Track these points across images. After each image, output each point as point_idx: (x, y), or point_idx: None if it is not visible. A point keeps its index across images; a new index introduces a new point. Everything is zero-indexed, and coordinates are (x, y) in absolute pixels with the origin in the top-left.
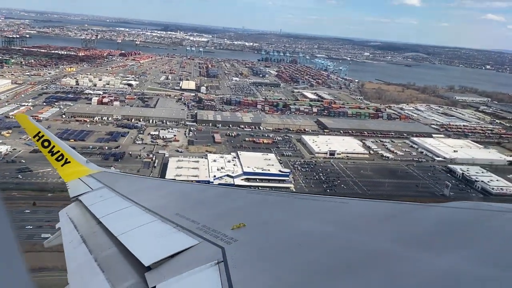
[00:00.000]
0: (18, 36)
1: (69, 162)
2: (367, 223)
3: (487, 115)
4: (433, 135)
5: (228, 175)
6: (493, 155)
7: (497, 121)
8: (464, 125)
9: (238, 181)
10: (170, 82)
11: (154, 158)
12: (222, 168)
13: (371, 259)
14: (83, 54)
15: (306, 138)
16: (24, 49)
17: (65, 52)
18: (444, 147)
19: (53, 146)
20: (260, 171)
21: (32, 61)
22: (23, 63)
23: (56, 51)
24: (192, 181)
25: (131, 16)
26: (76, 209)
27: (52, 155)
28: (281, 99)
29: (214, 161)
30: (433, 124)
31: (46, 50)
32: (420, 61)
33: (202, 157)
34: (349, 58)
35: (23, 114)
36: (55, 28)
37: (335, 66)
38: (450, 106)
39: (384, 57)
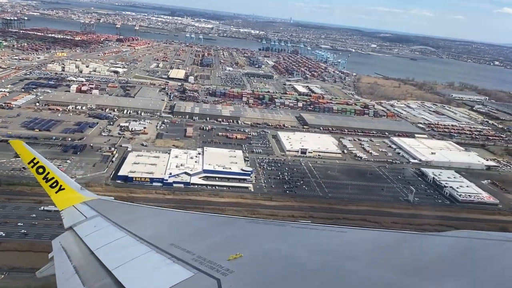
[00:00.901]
0: (16, 18)
1: (64, 188)
2: (366, 253)
3: (481, 114)
4: (416, 135)
5: (185, 173)
6: (472, 158)
7: (489, 121)
8: (452, 125)
9: (195, 179)
10: (160, 70)
11: (114, 152)
12: (181, 165)
13: None
14: (79, 38)
15: (281, 134)
16: (21, 31)
17: (62, 36)
18: (423, 148)
19: (48, 173)
20: (221, 169)
21: (26, 44)
22: (15, 46)
23: (53, 35)
24: (145, 178)
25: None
26: (69, 239)
27: (47, 181)
28: (268, 91)
29: (176, 157)
30: (421, 123)
31: (42, 33)
32: (427, 55)
33: (167, 152)
34: (353, 50)
35: (19, 140)
36: (59, 10)
37: (335, 58)
38: (445, 104)
39: (391, 50)
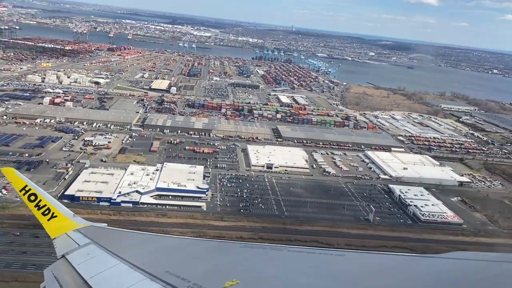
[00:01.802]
0: (6, 27)
1: (56, 216)
2: (365, 276)
3: (466, 126)
4: (392, 149)
5: (137, 191)
6: (445, 174)
7: (474, 133)
8: (434, 138)
9: (146, 198)
10: (144, 80)
11: (69, 169)
12: (135, 182)
13: None
14: (69, 48)
15: (250, 148)
16: (11, 41)
17: (52, 46)
18: (396, 163)
19: (40, 200)
20: (175, 186)
21: (12, 54)
22: (0, 56)
23: (43, 44)
24: (92, 197)
25: (146, 7)
26: (62, 268)
27: (39, 209)
28: (249, 103)
29: (132, 174)
30: (402, 135)
31: (33, 43)
32: (425, 63)
33: (124, 169)
34: (350, 58)
35: (10, 167)
36: (57, 19)
37: (327, 67)
38: (432, 114)
39: (389, 58)
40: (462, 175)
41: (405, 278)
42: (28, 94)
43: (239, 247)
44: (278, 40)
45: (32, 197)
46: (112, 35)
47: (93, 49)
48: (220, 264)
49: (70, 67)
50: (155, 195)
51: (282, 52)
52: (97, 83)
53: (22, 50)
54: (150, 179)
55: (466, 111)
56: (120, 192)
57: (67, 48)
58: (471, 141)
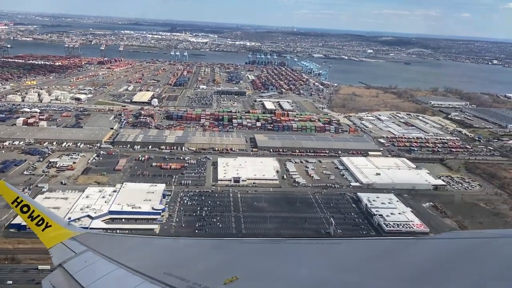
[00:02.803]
0: None
1: (50, 226)
2: (363, 263)
3: (455, 123)
4: (370, 153)
5: (88, 216)
6: (420, 178)
7: (462, 130)
8: (417, 138)
9: (97, 223)
10: (127, 93)
11: (26, 195)
12: (88, 206)
13: None
14: (59, 63)
15: (220, 161)
16: (1, 60)
17: (42, 62)
18: (370, 168)
19: (33, 211)
20: (130, 209)
21: None
22: None
23: (33, 61)
24: None
25: (148, 16)
26: (60, 277)
27: (32, 220)
28: (230, 111)
29: (87, 197)
30: (383, 137)
31: (23, 60)
32: (424, 57)
33: (81, 191)
34: (347, 57)
35: (1, 180)
36: (54, 34)
37: (319, 69)
38: (420, 112)
39: (387, 54)
40: (439, 177)
41: (403, 261)
42: (3, 115)
43: (237, 244)
44: (276, 42)
45: (25, 208)
46: (103, 48)
47: (83, 63)
48: (218, 261)
49: (55, 83)
50: (108, 219)
51: (275, 55)
52: (78, 99)
53: (10, 68)
54: (105, 201)
55: (457, 106)
56: (69, 218)
57: (57, 64)
58: (456, 139)
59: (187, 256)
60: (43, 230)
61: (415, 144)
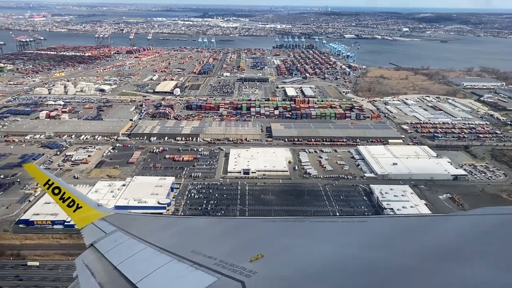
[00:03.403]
0: (32, 39)
1: (81, 207)
2: (389, 240)
3: (487, 105)
4: (390, 141)
5: None
6: (439, 167)
7: (494, 114)
8: (443, 123)
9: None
10: (152, 83)
11: (38, 190)
12: (96, 201)
13: (398, 277)
14: (89, 54)
15: (232, 152)
16: (35, 52)
17: (73, 53)
18: (387, 158)
19: (64, 193)
20: (136, 203)
21: (31, 66)
22: (19, 69)
23: (65, 53)
24: (47, 221)
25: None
26: (91, 256)
27: (64, 201)
28: (249, 100)
29: (96, 191)
30: (408, 123)
31: (55, 52)
32: (463, 34)
33: (93, 185)
34: (380, 37)
35: (32, 164)
36: (87, 24)
37: (347, 51)
38: (451, 95)
39: (423, 32)
40: (461, 166)
41: (430, 238)
42: (29, 109)
43: (261, 222)
44: (307, 24)
45: (56, 190)
46: (132, 37)
47: (112, 53)
48: (244, 240)
49: (83, 75)
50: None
51: (303, 38)
52: (102, 90)
53: (42, 61)
54: (113, 196)
55: (491, 87)
56: None
57: (86, 54)
58: (485, 124)
59: (212, 234)
60: (74, 212)
61: (440, 130)
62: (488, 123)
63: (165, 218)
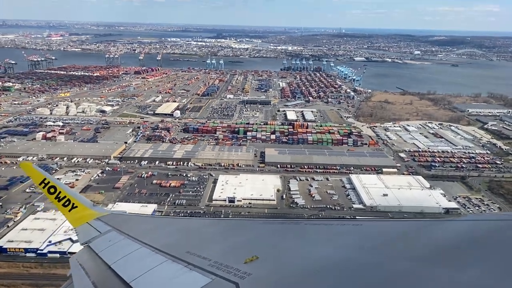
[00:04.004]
0: (43, 59)
1: (76, 206)
2: (384, 244)
3: (490, 133)
4: (384, 170)
5: (70, 239)
6: (431, 199)
7: (496, 143)
8: (442, 151)
9: (78, 247)
10: (154, 104)
11: (19, 214)
12: (72, 229)
13: (391, 281)
14: (98, 74)
15: (221, 178)
16: (45, 71)
17: (82, 73)
18: (378, 188)
19: (59, 192)
20: None
21: (38, 85)
22: (26, 89)
23: (75, 72)
24: (20, 249)
25: (198, 21)
26: (86, 255)
27: (59, 201)
28: (248, 123)
29: None
30: (405, 150)
31: (65, 72)
32: (476, 58)
33: None
34: (390, 60)
35: (28, 162)
36: (102, 43)
37: (353, 74)
38: (454, 121)
39: (435, 55)
40: (455, 198)
41: (424, 242)
42: (27, 130)
43: (257, 224)
44: (319, 46)
45: (52, 190)
46: (141, 57)
47: (121, 73)
48: (239, 241)
49: (88, 95)
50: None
51: (311, 61)
52: (103, 111)
53: (50, 80)
54: None
55: (497, 114)
56: (50, 241)
57: (95, 74)
58: (486, 153)
59: (208, 236)
60: (69, 211)
61: (438, 159)
62: (489, 152)
63: (161, 218)
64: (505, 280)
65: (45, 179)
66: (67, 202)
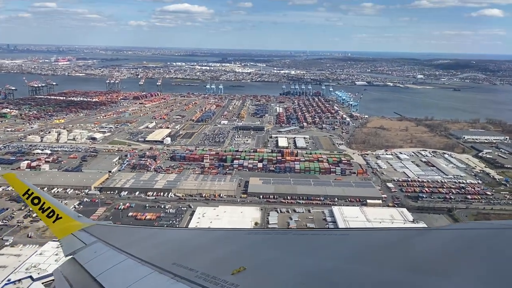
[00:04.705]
0: (44, 84)
1: (61, 217)
2: (371, 253)
3: (484, 162)
4: (368, 201)
5: (30, 277)
6: None
7: (489, 172)
8: (431, 181)
9: (37, 285)
10: (146, 131)
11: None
12: (34, 266)
13: None
14: (96, 99)
15: (199, 210)
16: (44, 97)
17: (81, 99)
18: (359, 222)
19: (43, 203)
20: None
21: (35, 112)
22: (22, 115)
23: (74, 98)
24: None
25: (205, 46)
26: (70, 267)
27: (43, 212)
28: (237, 150)
29: (41, 254)
30: (394, 180)
31: (64, 97)
32: (479, 82)
33: (42, 246)
34: (392, 84)
35: (12, 173)
36: (106, 68)
37: (351, 99)
38: (449, 149)
39: (438, 79)
40: None
41: (412, 251)
42: (14, 158)
43: (244, 235)
44: (322, 70)
45: (36, 200)
46: (142, 83)
47: (119, 98)
48: (226, 252)
49: (83, 121)
50: (50, 281)
51: (310, 86)
52: (93, 138)
53: (47, 107)
54: (55, 260)
55: (494, 141)
56: (9, 280)
57: (94, 100)
58: (477, 184)
59: (195, 246)
60: (54, 222)
61: (426, 189)
62: (480, 182)
63: (147, 229)
64: (489, 287)
65: (28, 189)
66: (51, 213)
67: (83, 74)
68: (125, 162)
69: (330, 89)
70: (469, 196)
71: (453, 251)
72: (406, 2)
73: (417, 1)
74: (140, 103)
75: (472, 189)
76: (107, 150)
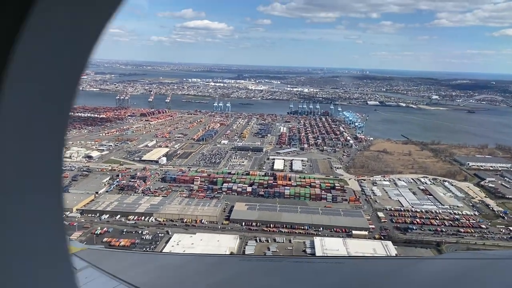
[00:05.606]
0: None
1: None
2: (365, 282)
3: (486, 191)
4: (354, 232)
5: None
6: None
7: (489, 203)
8: (425, 211)
9: None
10: (145, 150)
11: None
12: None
13: None
14: (104, 115)
15: (175, 238)
16: None
17: (88, 115)
18: (341, 255)
19: None
20: None
21: None
22: None
23: (82, 114)
24: None
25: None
26: None
27: None
28: (229, 173)
29: None
30: (386, 209)
31: (72, 113)
32: (496, 104)
33: None
34: (404, 105)
35: None
36: (121, 83)
37: (357, 121)
38: (450, 176)
39: (453, 100)
40: None
41: (407, 280)
42: None
43: (238, 261)
44: (337, 88)
45: None
46: (151, 99)
47: (127, 115)
48: (219, 279)
49: (85, 138)
50: None
51: (318, 105)
52: (89, 157)
53: None
54: None
55: (500, 168)
56: None
57: (101, 116)
58: (473, 215)
59: (188, 273)
60: None
61: (417, 220)
62: (477, 214)
63: (140, 254)
64: None
65: None
66: None
67: (97, 89)
68: (114, 182)
69: (339, 109)
70: (461, 229)
71: (446, 281)
72: (425, 20)
73: (436, 20)
74: (146, 120)
75: (467, 221)
76: (100, 170)
